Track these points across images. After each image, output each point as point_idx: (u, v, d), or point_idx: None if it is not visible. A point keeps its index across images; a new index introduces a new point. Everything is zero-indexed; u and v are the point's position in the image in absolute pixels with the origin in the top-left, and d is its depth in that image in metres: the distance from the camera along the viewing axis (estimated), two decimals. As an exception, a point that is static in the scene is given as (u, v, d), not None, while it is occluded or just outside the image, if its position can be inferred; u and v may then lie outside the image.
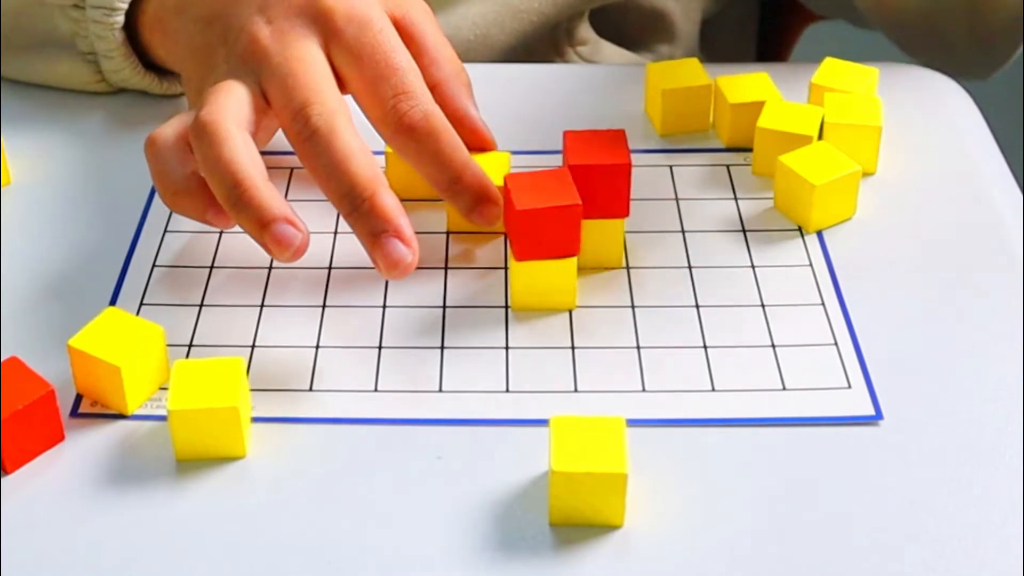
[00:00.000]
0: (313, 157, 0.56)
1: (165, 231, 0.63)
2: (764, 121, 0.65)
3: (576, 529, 0.49)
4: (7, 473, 0.52)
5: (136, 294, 0.60)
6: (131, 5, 0.68)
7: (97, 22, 0.67)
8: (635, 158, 0.67)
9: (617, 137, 0.60)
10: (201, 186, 0.59)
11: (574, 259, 0.57)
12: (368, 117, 0.60)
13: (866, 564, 0.48)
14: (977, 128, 0.70)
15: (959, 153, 0.68)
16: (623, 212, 0.59)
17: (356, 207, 0.55)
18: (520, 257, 0.57)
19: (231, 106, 0.57)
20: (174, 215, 0.64)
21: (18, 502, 0.51)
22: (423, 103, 0.59)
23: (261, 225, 0.54)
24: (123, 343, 0.54)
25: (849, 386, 0.55)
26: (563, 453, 0.49)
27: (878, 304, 0.59)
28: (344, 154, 0.55)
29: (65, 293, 0.60)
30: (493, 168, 0.62)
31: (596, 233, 0.59)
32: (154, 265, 0.61)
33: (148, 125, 0.69)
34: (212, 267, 0.61)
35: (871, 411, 0.53)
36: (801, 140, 0.64)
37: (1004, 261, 0.61)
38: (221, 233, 0.63)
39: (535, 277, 0.57)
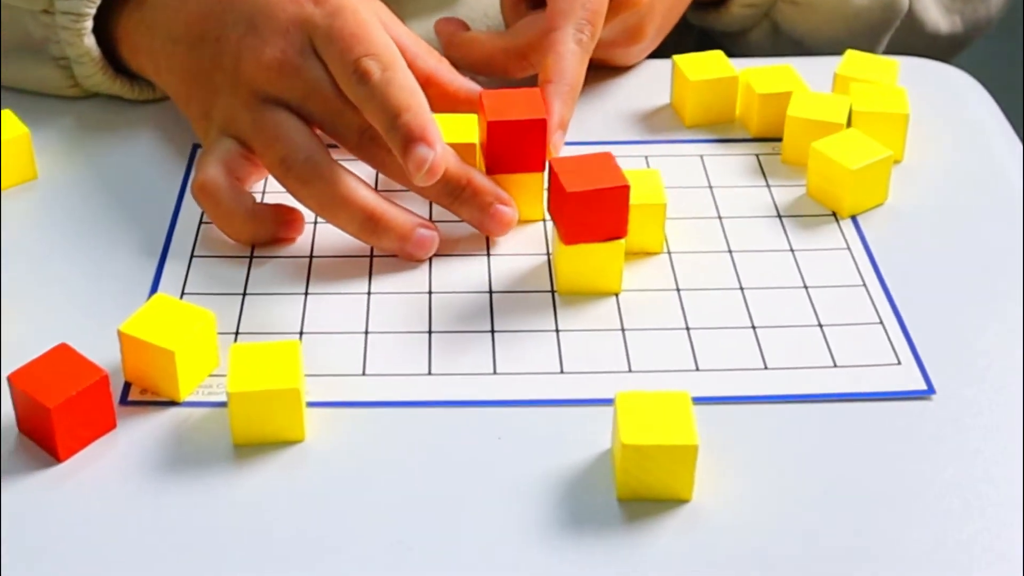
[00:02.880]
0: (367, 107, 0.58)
1: (201, 222, 0.63)
2: (794, 110, 0.65)
3: (644, 504, 0.49)
4: (60, 461, 0.51)
5: (176, 284, 0.59)
6: (104, 11, 0.68)
7: (66, 28, 0.66)
8: (665, 148, 0.68)
9: (534, 95, 0.61)
10: (264, 210, 0.61)
11: (622, 242, 0.57)
12: (342, 87, 0.59)
13: (927, 534, 0.48)
14: (994, 118, 0.71)
15: (980, 141, 0.69)
16: (540, 167, 0.61)
17: (393, 127, 0.57)
18: (568, 240, 0.57)
19: (303, 139, 0.59)
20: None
21: (74, 489, 0.50)
22: (387, 60, 0.58)
23: (403, 240, 0.60)
24: (175, 328, 0.53)
25: (899, 362, 0.55)
26: (631, 427, 0.49)
27: (918, 285, 0.59)
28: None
29: (103, 285, 0.59)
30: (461, 128, 0.63)
31: (637, 217, 0.59)
32: (192, 255, 0.61)
33: (176, 122, 0.69)
34: (252, 256, 0.61)
35: (923, 386, 0.54)
36: (831, 128, 0.64)
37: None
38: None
39: (582, 260, 0.58)
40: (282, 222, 0.61)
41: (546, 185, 0.62)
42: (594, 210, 0.56)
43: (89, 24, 0.66)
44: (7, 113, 0.65)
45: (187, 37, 0.63)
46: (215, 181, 0.60)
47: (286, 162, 0.59)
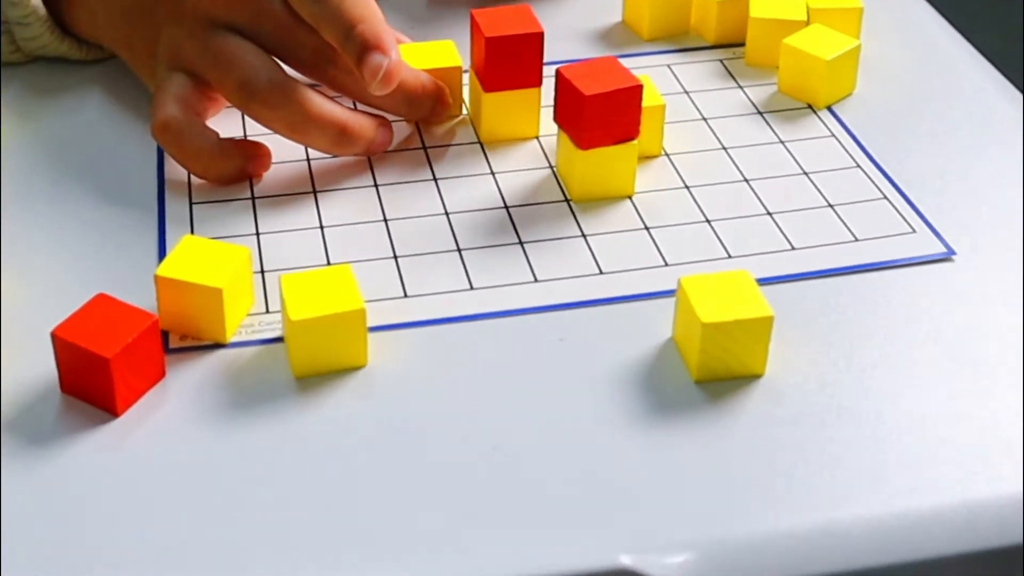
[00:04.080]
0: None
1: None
2: (756, 11, 0.67)
3: (721, 384, 0.50)
4: (117, 415, 0.49)
5: (183, 231, 0.57)
6: None
7: None
8: (632, 62, 0.69)
9: (524, 11, 0.61)
10: (231, 145, 0.59)
11: (635, 142, 0.58)
12: (295, 6, 0.58)
13: (978, 378, 0.51)
14: (923, 8, 0.75)
15: (917, 30, 0.73)
16: (537, 82, 0.61)
17: (348, 38, 0.57)
18: (585, 146, 0.57)
19: (261, 62, 0.58)
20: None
21: (138, 443, 0.48)
22: None
23: (370, 143, 0.60)
24: (214, 267, 0.51)
25: (913, 231, 0.57)
26: (706, 308, 0.49)
27: (907, 162, 0.62)
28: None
29: (106, 242, 0.56)
30: (441, 53, 0.63)
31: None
32: (191, 203, 0.58)
33: (132, 76, 0.66)
34: (254, 197, 0.59)
35: (942, 249, 0.57)
36: (795, 26, 0.67)
37: (1003, 104, 0.66)
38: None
39: (597, 165, 0.58)
40: (249, 157, 0.59)
41: (549, 102, 0.62)
42: (610, 112, 0.57)
43: None
44: (-43, 77, 0.62)
45: None
46: (176, 119, 0.58)
47: (247, 87, 0.57)
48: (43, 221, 0.58)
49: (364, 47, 0.56)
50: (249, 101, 0.57)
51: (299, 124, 0.58)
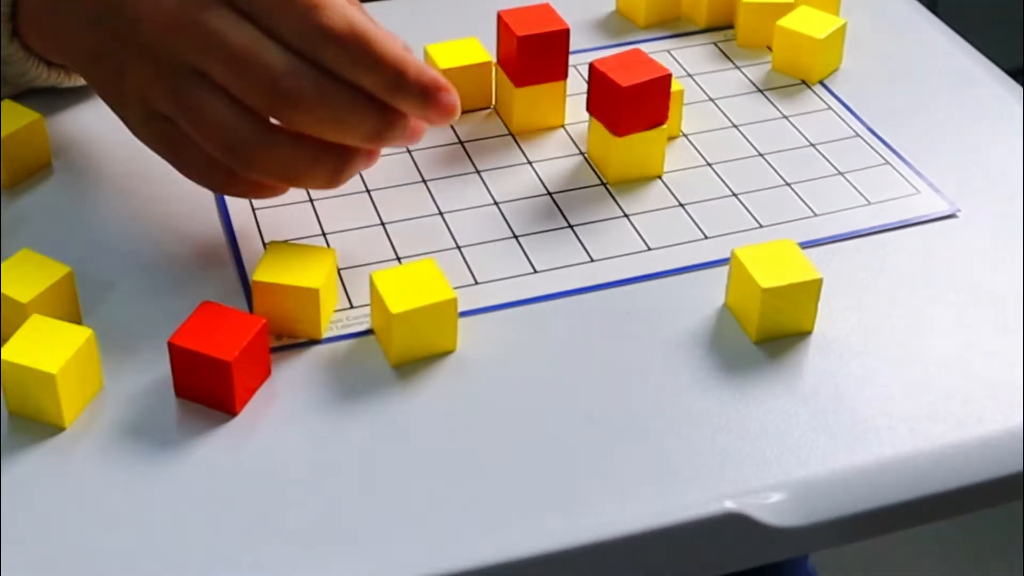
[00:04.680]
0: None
1: (247, 177, 0.63)
2: (745, -4, 0.73)
3: (777, 343, 0.56)
4: (235, 414, 0.52)
5: (252, 237, 0.60)
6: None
7: None
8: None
9: (547, 9, 0.66)
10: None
11: (664, 127, 0.63)
12: (292, 48, 0.53)
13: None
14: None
15: (885, 5, 0.79)
16: (564, 76, 0.66)
17: (402, 87, 0.54)
18: (621, 133, 0.62)
19: (237, 117, 0.54)
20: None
21: (261, 438, 0.51)
22: (339, 8, 0.53)
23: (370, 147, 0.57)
24: (307, 269, 0.55)
25: (918, 192, 0.64)
26: (763, 274, 0.55)
27: (900, 128, 0.68)
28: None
29: (174, 254, 0.59)
30: (467, 51, 0.67)
31: (658, 107, 0.65)
32: (253, 208, 0.62)
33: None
34: (312, 200, 0.62)
35: (947, 207, 0.63)
36: (783, 8, 0.72)
37: (977, 70, 0.72)
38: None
39: (632, 149, 0.63)
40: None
41: (569, 91, 0.67)
42: (643, 100, 0.61)
43: (7, 25, 0.62)
44: (7, 103, 0.63)
45: (85, 11, 0.58)
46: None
47: (231, 151, 0.55)
48: (109, 240, 0.61)
49: (425, 92, 0.54)
50: (236, 163, 0.55)
51: (291, 174, 0.55)
